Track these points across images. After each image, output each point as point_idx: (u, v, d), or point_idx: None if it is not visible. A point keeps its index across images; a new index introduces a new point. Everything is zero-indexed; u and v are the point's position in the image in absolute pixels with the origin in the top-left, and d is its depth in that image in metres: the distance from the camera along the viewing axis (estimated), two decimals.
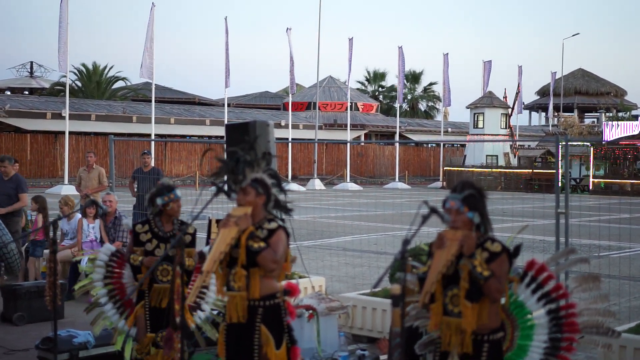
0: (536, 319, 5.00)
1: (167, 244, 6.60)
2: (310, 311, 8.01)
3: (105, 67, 56.11)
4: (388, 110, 70.17)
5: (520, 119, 61.11)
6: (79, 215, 11.97)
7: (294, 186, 40.53)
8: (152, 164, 14.81)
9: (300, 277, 10.08)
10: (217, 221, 5.62)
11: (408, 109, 74.23)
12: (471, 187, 4.79)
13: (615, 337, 5.09)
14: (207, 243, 8.70)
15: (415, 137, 58.58)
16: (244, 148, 5.59)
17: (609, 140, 43.67)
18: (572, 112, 71.57)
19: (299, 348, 5.63)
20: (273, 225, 5.42)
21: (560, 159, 12.49)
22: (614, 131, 44.62)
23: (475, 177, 43.37)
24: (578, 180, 45.33)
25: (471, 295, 4.63)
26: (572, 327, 4.96)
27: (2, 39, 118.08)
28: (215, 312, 7.04)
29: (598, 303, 5.08)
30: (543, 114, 76.50)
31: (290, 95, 46.68)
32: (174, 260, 6.16)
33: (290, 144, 45.70)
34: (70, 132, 37.21)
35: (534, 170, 45.55)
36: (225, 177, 5.64)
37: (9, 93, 55.90)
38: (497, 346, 4.74)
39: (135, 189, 15.08)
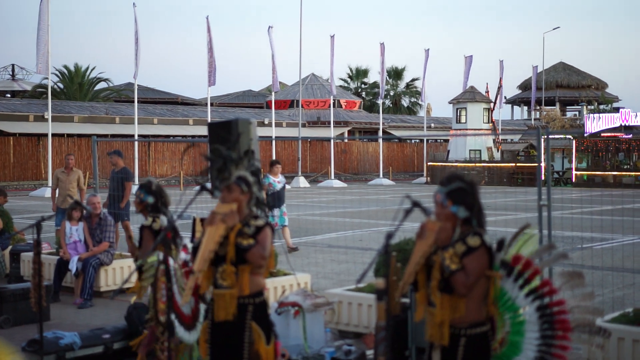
0: (525, 315, 4.86)
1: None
2: (296, 308, 8.04)
3: (87, 69, 55.95)
4: (371, 107, 70.27)
5: (503, 113, 61.38)
6: None
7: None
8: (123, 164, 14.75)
9: (286, 274, 10.12)
10: (202, 220, 5.63)
11: (391, 105, 74.36)
12: (459, 180, 4.71)
13: (607, 336, 4.91)
14: (192, 242, 8.73)
15: (399, 133, 58.66)
16: (227, 146, 5.63)
17: (591, 132, 43.88)
18: (554, 105, 71.88)
19: (280, 342, 5.67)
20: (260, 222, 5.44)
21: (542, 152, 12.57)
22: (595, 124, 44.86)
23: (460, 171, 43.44)
24: (561, 173, 45.56)
25: (446, 287, 4.60)
26: (564, 325, 4.79)
27: None
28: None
29: (586, 300, 4.93)
30: (525, 107, 76.80)
31: (273, 93, 46.67)
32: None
33: (274, 142, 45.69)
34: (53, 134, 37.04)
35: (517, 164, 45.74)
36: (209, 176, 5.66)
37: None
38: (478, 340, 4.65)
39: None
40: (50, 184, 34.53)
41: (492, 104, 50.34)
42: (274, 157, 44.05)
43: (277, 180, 15.54)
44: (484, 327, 4.70)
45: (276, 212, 15.37)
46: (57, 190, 15.06)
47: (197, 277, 5.28)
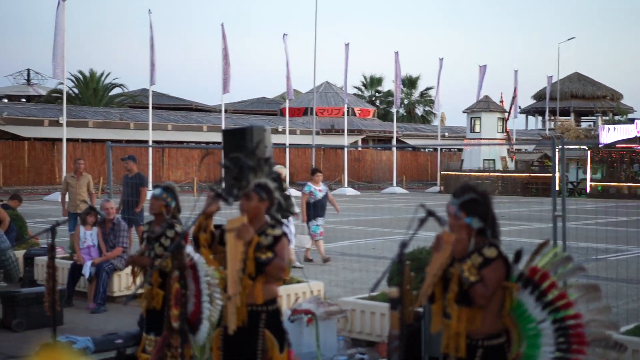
0: (541, 328, 4.77)
1: (154, 245, 6.69)
2: (309, 315, 8.02)
3: (102, 74, 56.20)
4: (385, 115, 70.27)
5: (517, 123, 61.32)
6: None
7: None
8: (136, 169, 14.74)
9: (299, 281, 10.10)
10: (216, 227, 5.61)
11: (405, 114, 74.35)
12: (472, 191, 4.70)
13: (623, 351, 4.80)
14: None
15: (412, 142, 58.57)
16: (246, 154, 5.61)
17: (605, 143, 43.70)
18: (569, 115, 71.67)
19: (293, 350, 5.65)
20: (277, 231, 5.39)
21: (557, 162, 12.51)
22: (610, 134, 44.67)
23: (473, 182, 43.29)
24: (575, 183, 45.36)
25: (463, 299, 4.59)
26: (580, 339, 4.70)
27: None
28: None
29: (602, 314, 4.84)
30: (540, 117, 76.60)
31: (287, 101, 46.73)
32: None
33: (287, 150, 45.69)
34: (67, 139, 37.14)
35: (531, 174, 45.57)
36: (224, 183, 5.64)
37: (6, 100, 55.89)
38: (494, 352, 4.64)
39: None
40: None
41: (506, 114, 50.23)
42: (287, 165, 44.10)
43: (318, 189, 15.28)
44: (501, 338, 4.69)
45: (320, 221, 15.17)
46: (66, 195, 15.08)
47: (236, 301, 5.24)
